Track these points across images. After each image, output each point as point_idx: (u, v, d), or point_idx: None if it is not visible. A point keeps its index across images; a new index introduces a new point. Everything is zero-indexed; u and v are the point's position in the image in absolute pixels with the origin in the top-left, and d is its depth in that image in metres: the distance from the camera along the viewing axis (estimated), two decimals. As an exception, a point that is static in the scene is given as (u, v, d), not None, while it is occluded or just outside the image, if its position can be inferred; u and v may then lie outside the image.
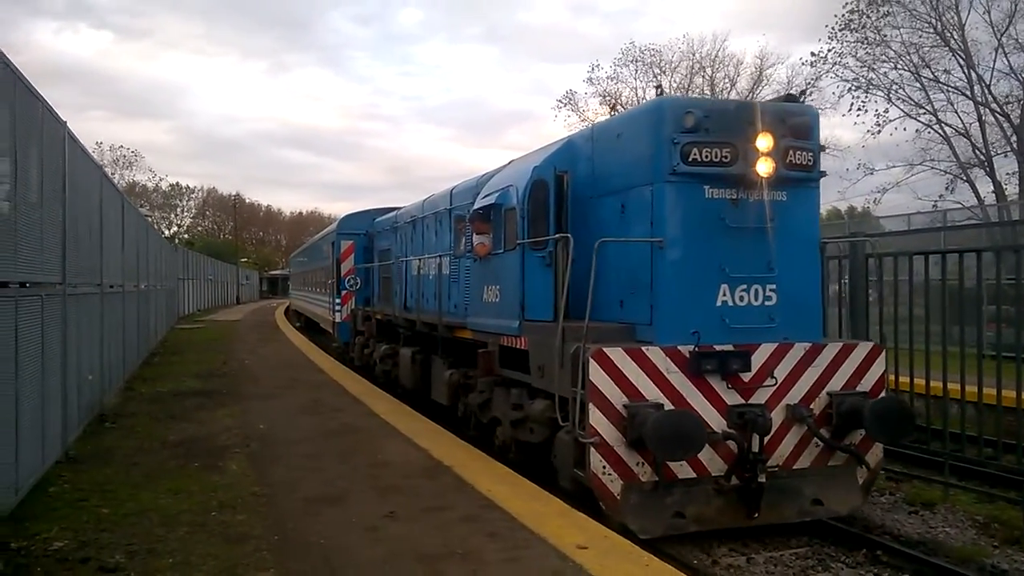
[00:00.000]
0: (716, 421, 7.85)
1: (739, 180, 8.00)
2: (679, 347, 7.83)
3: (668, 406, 7.65)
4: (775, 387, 8.10)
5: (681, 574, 5.86)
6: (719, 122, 7.97)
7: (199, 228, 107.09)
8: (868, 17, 32.48)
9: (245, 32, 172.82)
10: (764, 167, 7.86)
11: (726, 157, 7.90)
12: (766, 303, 8.22)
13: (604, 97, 46.07)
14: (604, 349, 7.63)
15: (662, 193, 8.00)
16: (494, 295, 10.16)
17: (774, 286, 8.23)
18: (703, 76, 45.81)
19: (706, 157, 7.89)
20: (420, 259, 14.45)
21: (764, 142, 7.87)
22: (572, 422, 7.89)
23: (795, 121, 8.23)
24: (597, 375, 7.58)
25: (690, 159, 7.87)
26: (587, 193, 9.41)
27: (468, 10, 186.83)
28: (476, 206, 10.61)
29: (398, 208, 18.84)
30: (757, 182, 7.97)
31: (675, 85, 45.03)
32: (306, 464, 9.21)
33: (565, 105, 48.36)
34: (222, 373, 18.58)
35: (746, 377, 7.99)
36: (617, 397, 7.63)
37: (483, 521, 6.92)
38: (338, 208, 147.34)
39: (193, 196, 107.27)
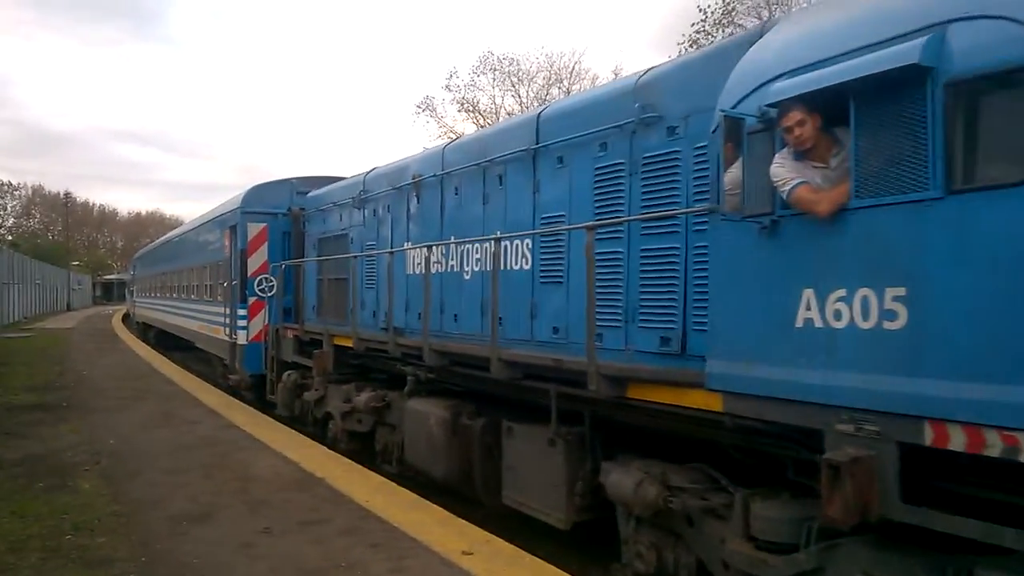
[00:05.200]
0: None
1: None
2: None
3: None
4: None
5: (566, 575, 5.24)
6: None
7: (23, 229, 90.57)
8: (712, 36, 30.06)
9: (83, 20, 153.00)
10: None
11: None
12: None
13: (462, 104, 44.59)
14: None
15: None
16: (898, 316, 3.53)
17: None
18: (559, 87, 44.23)
19: None
20: (475, 244, 7.61)
21: None
22: None
23: None
24: None
25: None
26: None
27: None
28: (804, 88, 3.88)
29: (347, 178, 11.80)
30: None
31: (532, 95, 44.05)
32: (167, 480, 7.99)
33: (424, 111, 46.49)
34: (60, 385, 15.97)
35: None
36: None
37: (363, 532, 6.22)
38: (183, 209, 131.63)
39: (16, 194, 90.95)
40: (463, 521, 6.52)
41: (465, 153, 8.04)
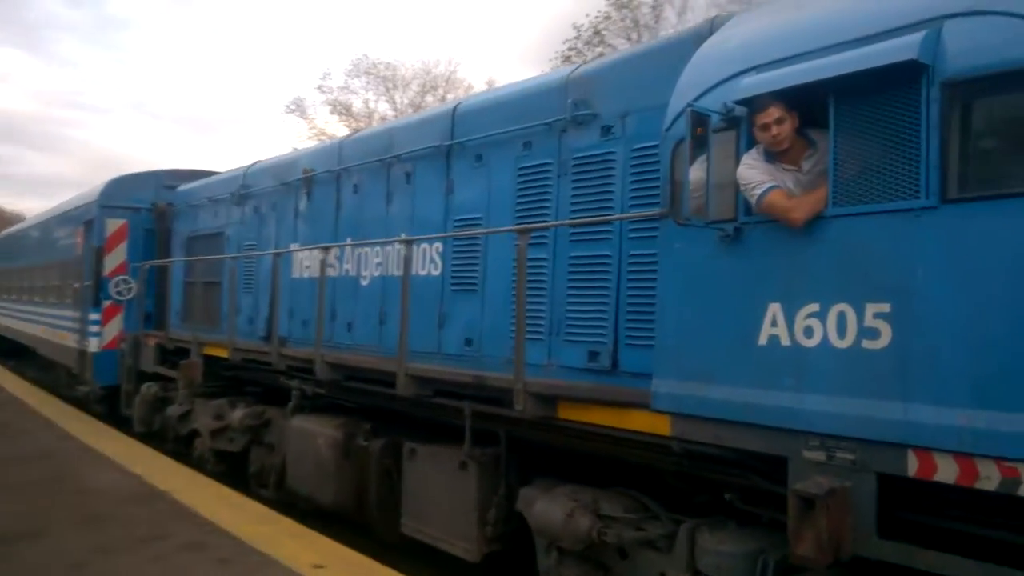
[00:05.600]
0: None
1: None
2: None
3: None
4: None
5: None
6: None
7: None
8: (584, 55, 30.82)
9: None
10: None
11: None
12: None
13: (335, 106, 43.07)
14: None
15: None
16: (880, 334, 3.21)
17: None
18: (434, 95, 43.66)
19: None
20: (376, 247, 6.88)
21: None
22: None
23: None
24: None
25: None
26: None
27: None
28: (782, 84, 3.52)
29: (224, 172, 10.79)
30: None
31: (406, 102, 43.98)
32: (-8, 497, 7.44)
33: (294, 111, 45.15)
34: None
35: None
36: None
37: (210, 548, 5.85)
38: (26, 205, 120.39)
39: None
40: (315, 533, 6.29)
41: (367, 147, 7.35)
